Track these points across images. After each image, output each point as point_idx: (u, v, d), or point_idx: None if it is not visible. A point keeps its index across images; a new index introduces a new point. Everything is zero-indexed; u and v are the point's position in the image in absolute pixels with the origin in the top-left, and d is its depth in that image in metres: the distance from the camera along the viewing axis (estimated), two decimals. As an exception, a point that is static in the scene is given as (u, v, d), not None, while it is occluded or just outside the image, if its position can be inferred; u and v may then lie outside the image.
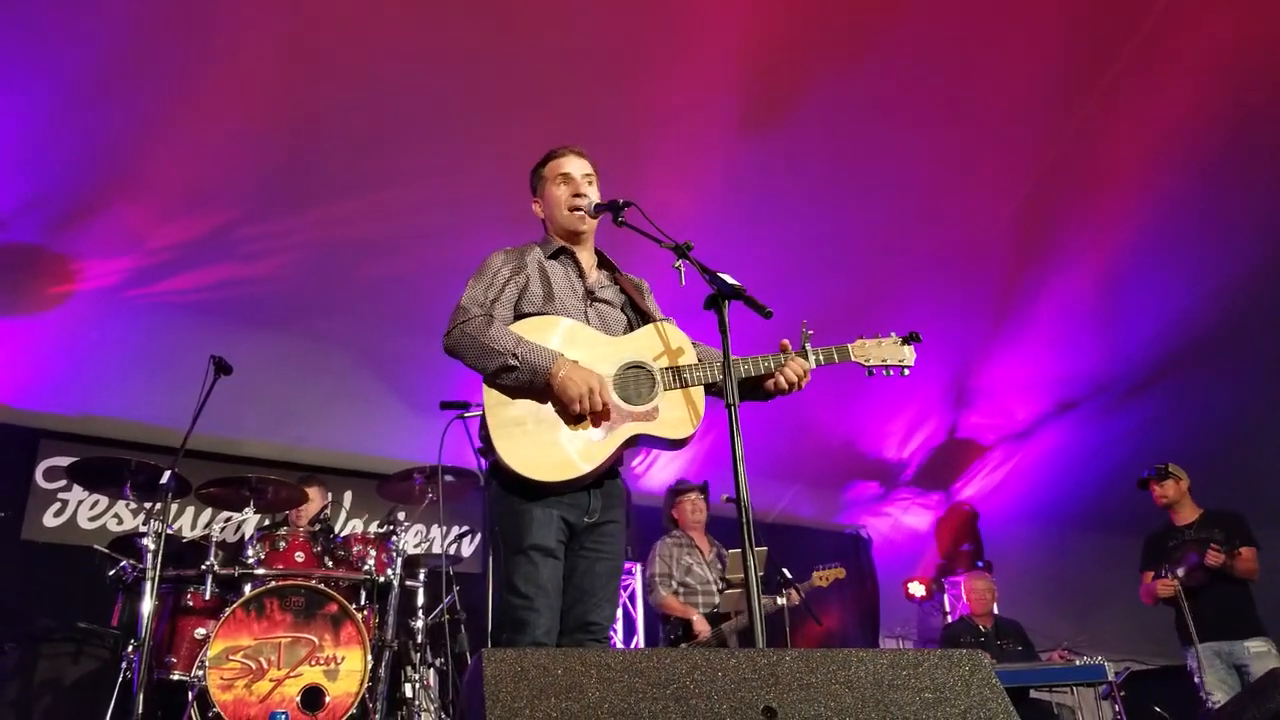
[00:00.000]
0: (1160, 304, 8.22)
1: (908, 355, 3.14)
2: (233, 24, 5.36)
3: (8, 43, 5.16)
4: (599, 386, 2.80)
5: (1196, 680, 5.78)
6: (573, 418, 2.81)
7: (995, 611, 6.95)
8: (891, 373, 3.13)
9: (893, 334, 3.15)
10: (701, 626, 5.74)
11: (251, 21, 5.38)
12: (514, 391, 2.83)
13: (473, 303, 2.92)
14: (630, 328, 3.13)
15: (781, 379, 2.97)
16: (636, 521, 7.88)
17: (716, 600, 5.93)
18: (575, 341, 2.91)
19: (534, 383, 2.79)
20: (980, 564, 9.11)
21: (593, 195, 3.13)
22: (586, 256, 3.19)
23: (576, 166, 3.17)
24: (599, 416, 2.83)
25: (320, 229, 6.41)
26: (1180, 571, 5.76)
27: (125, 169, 5.80)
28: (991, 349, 8.69)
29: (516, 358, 2.77)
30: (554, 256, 3.12)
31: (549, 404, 2.83)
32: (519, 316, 2.96)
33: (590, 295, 3.10)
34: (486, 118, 6.04)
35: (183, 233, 6.13)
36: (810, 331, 3.04)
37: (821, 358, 3.05)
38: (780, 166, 6.81)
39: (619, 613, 8.32)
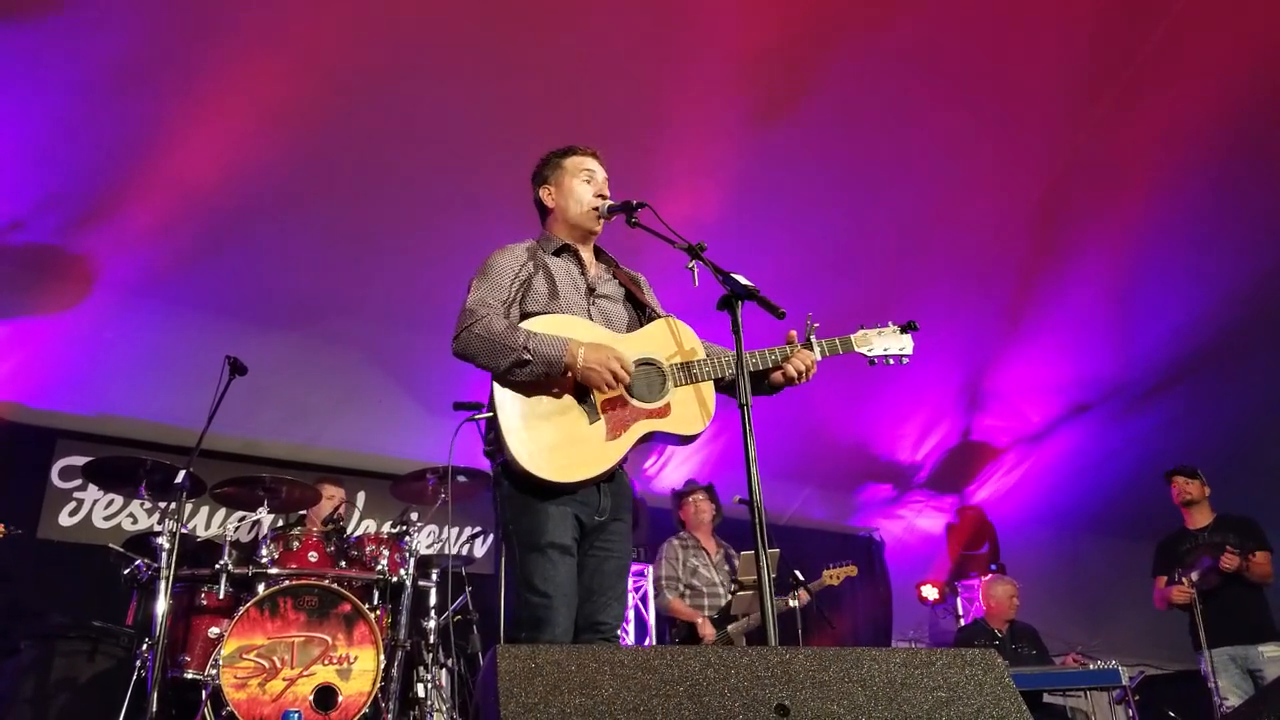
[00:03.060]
0: (1176, 307, 8.18)
1: (907, 344, 3.17)
2: (249, 25, 5.39)
3: (24, 44, 5.20)
4: (620, 360, 2.79)
5: (1210, 685, 5.75)
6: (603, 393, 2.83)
7: (1014, 616, 6.91)
8: (892, 361, 3.15)
9: (891, 323, 3.17)
10: (706, 631, 5.73)
11: (267, 23, 5.41)
12: (527, 388, 2.81)
13: (479, 304, 2.90)
14: (631, 322, 3.14)
15: (790, 369, 2.98)
16: (650, 523, 7.88)
17: (722, 602, 5.93)
18: (583, 339, 2.90)
19: (550, 373, 2.78)
20: (994, 567, 9.07)
21: None
22: (588, 253, 3.20)
23: (599, 169, 3.19)
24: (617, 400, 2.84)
25: (335, 229, 6.44)
26: (1194, 575, 5.73)
27: (141, 170, 5.84)
28: (1006, 351, 8.67)
29: (529, 351, 2.75)
30: (557, 254, 3.12)
31: (560, 401, 2.82)
32: (524, 315, 2.95)
33: (592, 291, 3.10)
34: (499, 118, 6.06)
35: (199, 234, 6.17)
36: (815, 324, 3.06)
37: (826, 349, 3.08)
38: (794, 167, 6.81)
39: (631, 614, 8.31)
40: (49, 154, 5.67)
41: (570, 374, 2.79)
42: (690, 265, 2.85)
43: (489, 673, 1.78)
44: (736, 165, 6.65)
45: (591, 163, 3.19)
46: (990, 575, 7.74)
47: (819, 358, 3.04)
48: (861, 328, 3.15)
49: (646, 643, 8.22)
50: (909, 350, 3.16)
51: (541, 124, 5.82)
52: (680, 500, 6.38)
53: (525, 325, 2.88)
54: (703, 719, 1.79)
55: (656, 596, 6.09)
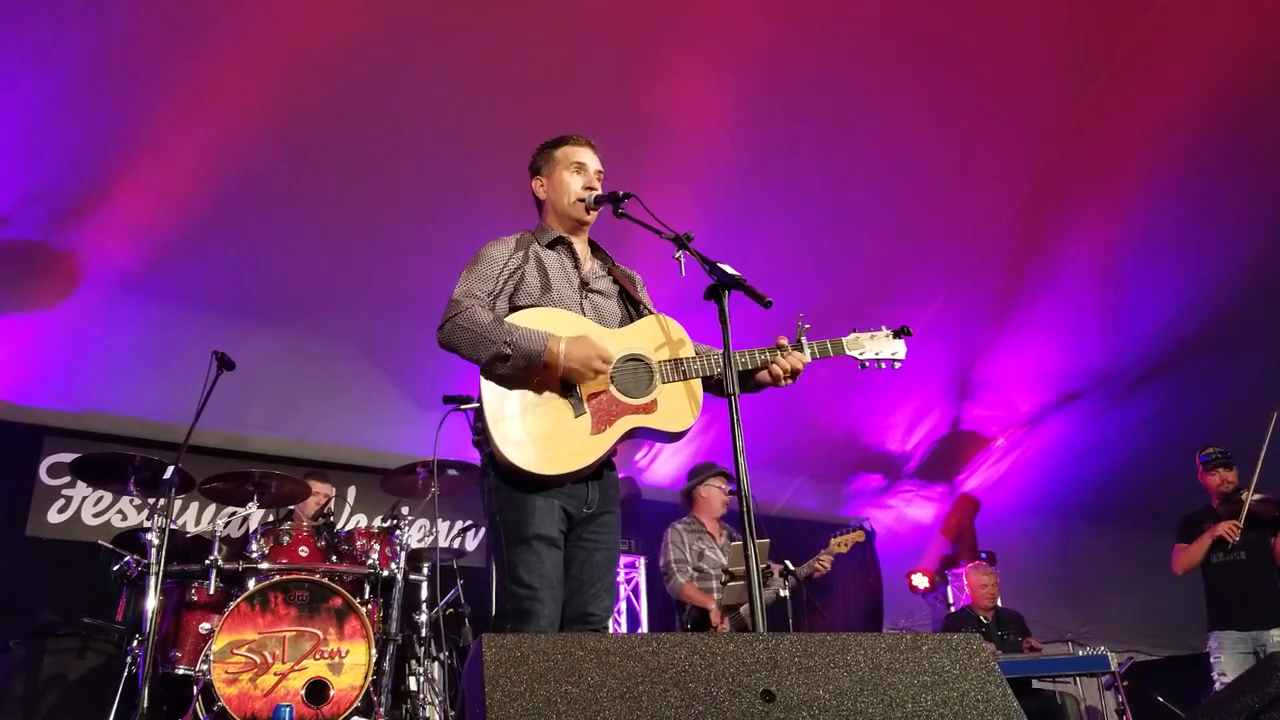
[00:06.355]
0: (1164, 296, 8.21)
1: (899, 349, 3.16)
2: (236, 18, 5.37)
3: (8, 38, 5.17)
4: (600, 352, 2.79)
5: (1212, 660, 5.72)
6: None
7: (998, 604, 6.97)
8: (884, 365, 3.15)
9: (884, 327, 3.16)
10: (718, 619, 5.69)
11: (256, 15, 5.38)
12: (510, 381, 2.81)
13: (466, 295, 2.90)
14: (624, 319, 3.13)
15: (776, 368, 2.98)
16: (642, 514, 7.87)
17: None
18: (573, 334, 2.89)
19: (530, 368, 2.77)
20: (983, 555, 9.11)
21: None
22: (582, 246, 3.18)
23: (591, 160, 3.17)
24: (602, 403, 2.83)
25: (324, 224, 6.41)
26: (1259, 498, 5.76)
27: (127, 164, 5.81)
28: (995, 341, 8.69)
29: (509, 345, 2.74)
30: (551, 246, 3.10)
31: (546, 393, 2.81)
32: (514, 308, 2.94)
33: (585, 286, 3.09)
34: (491, 112, 6.04)
35: (185, 228, 6.14)
36: (807, 326, 3.06)
37: (816, 351, 3.06)
38: (784, 160, 6.81)
39: (623, 605, 8.33)
40: (34, 150, 5.64)
41: (550, 369, 2.78)
42: (677, 255, 2.84)
43: (475, 662, 1.78)
44: (726, 159, 6.64)
45: (584, 154, 3.16)
46: (975, 563, 7.78)
47: (809, 359, 3.03)
48: (854, 330, 3.14)
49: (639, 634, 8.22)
50: (901, 355, 3.15)
51: (531, 118, 5.79)
52: (697, 483, 6.03)
53: (514, 317, 2.87)
54: (688, 706, 1.79)
55: (667, 580, 5.90)
